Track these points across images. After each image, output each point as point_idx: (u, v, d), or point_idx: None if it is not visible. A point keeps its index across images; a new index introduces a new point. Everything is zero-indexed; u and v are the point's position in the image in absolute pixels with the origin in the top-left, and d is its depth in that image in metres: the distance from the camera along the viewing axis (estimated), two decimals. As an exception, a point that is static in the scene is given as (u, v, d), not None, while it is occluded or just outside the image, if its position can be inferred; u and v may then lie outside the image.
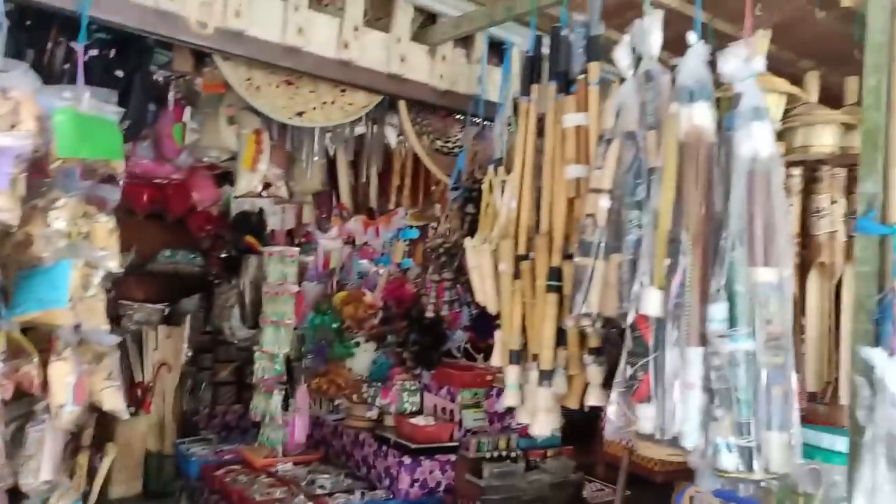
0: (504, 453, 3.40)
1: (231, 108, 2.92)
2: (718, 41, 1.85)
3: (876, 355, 1.32)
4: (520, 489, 3.27)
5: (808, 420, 1.75)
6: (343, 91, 2.55)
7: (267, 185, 3.34)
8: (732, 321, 1.49)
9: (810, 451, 1.90)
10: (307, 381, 3.77)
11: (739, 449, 1.45)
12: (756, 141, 1.51)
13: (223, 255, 4.92)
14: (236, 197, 4.49)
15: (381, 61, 2.47)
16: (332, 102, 2.54)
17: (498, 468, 3.27)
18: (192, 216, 4.70)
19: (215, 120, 2.97)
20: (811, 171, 1.95)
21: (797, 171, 1.94)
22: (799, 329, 1.96)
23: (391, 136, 3.52)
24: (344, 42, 2.34)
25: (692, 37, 1.66)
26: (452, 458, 3.49)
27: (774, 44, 2.81)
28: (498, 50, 2.68)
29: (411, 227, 4.02)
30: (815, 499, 1.91)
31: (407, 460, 3.44)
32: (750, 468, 1.45)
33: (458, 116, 2.84)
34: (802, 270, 1.96)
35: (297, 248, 3.89)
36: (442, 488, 3.49)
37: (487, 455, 3.36)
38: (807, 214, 1.96)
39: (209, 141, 3.03)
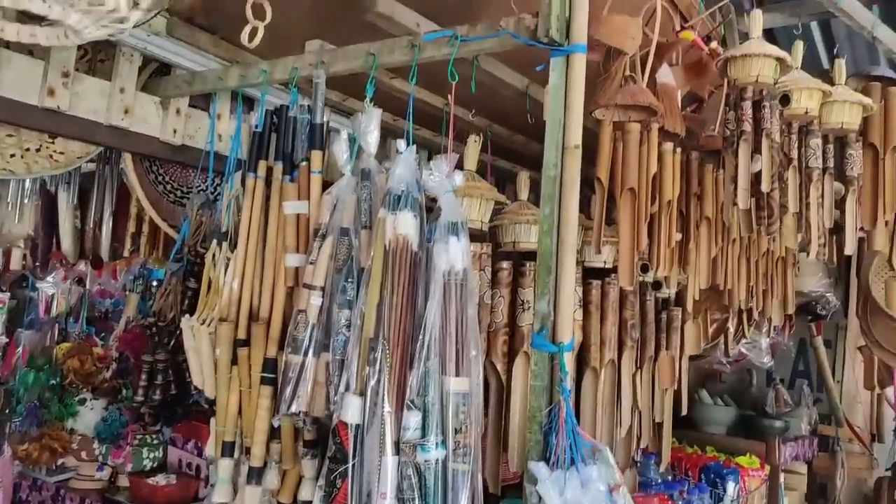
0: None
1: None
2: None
3: (540, 469, 1.44)
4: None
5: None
6: (52, 139, 2.27)
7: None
8: (425, 430, 1.54)
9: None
10: (14, 448, 3.28)
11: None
12: (452, 255, 1.59)
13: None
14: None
15: (100, 111, 2.23)
16: (38, 150, 2.24)
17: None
18: None
19: None
20: (519, 265, 2.11)
21: (506, 265, 2.09)
22: (506, 414, 2.10)
23: (130, 177, 3.22)
24: (49, 88, 2.08)
25: (401, 144, 1.71)
26: (197, 517, 3.25)
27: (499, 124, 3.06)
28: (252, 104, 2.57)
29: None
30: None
31: (142, 527, 3.14)
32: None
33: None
34: (510, 358, 2.11)
35: (7, 294, 3.38)
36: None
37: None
38: (514, 306, 2.11)
39: None
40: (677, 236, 2.26)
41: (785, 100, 2.18)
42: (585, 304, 2.49)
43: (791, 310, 3.37)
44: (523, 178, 2.19)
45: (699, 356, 3.48)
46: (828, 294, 3.69)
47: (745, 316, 3.39)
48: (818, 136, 2.18)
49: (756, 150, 2.07)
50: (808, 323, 4.38)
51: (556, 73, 1.59)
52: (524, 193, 2.20)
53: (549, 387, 1.53)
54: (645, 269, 2.44)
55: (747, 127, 2.03)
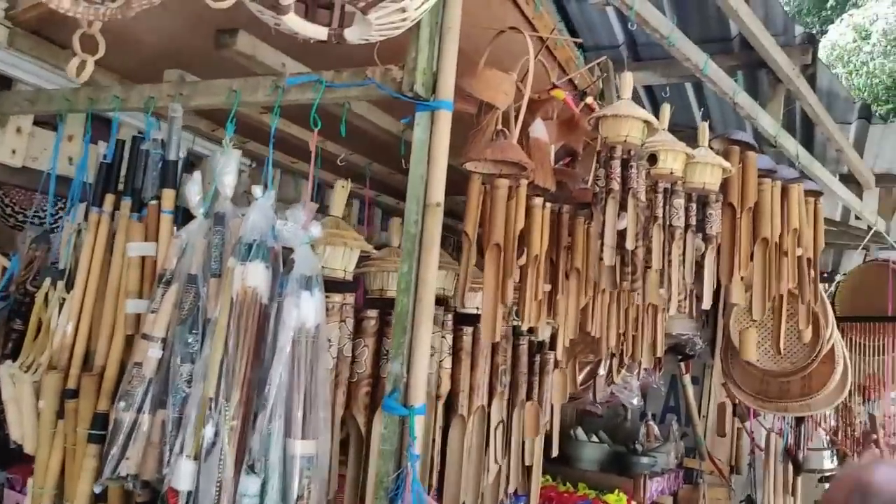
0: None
1: None
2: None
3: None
4: None
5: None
6: None
7: None
8: (263, 497, 1.44)
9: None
10: None
11: None
12: (303, 311, 1.51)
13: None
14: None
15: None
16: None
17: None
18: None
19: None
20: (385, 314, 2.05)
21: (372, 314, 2.02)
22: (364, 468, 2.02)
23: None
24: None
25: (257, 190, 1.62)
26: None
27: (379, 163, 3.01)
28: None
29: None
30: None
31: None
32: None
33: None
34: (371, 410, 2.03)
35: None
36: None
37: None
38: (378, 356, 2.05)
39: None
40: (546, 287, 2.28)
41: (652, 159, 2.25)
42: (456, 350, 2.47)
43: (660, 353, 3.50)
44: (396, 224, 2.14)
45: (572, 398, 3.54)
46: (695, 337, 3.88)
47: (615, 360, 3.49)
48: (682, 195, 2.27)
49: (623, 207, 2.12)
50: (678, 361, 4.59)
51: (421, 128, 1.55)
52: (396, 240, 2.15)
53: (399, 451, 1.47)
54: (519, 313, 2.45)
55: (615, 185, 2.07)
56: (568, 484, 3.83)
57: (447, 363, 2.33)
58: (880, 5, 11.00)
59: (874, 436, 3.96)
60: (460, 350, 2.47)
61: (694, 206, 2.43)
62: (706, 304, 2.40)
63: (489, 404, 2.63)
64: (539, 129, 2.08)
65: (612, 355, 3.26)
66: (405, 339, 1.49)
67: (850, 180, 4.09)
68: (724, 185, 2.62)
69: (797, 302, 3.58)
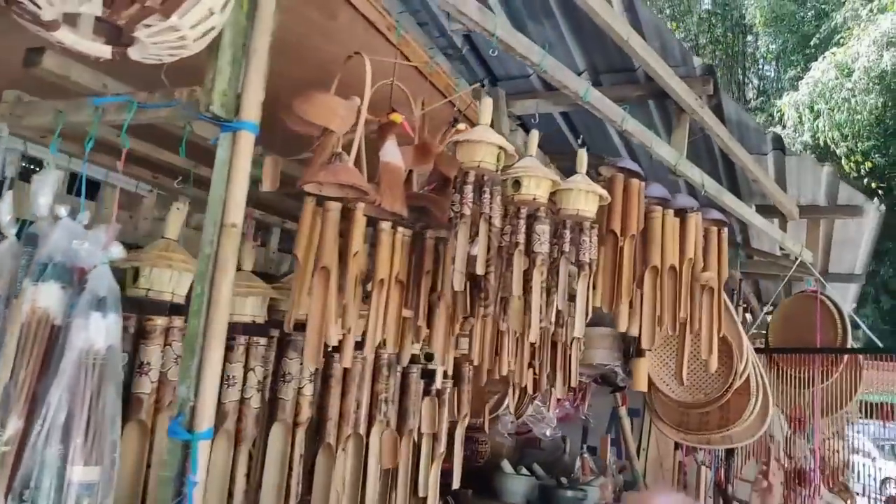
0: None
1: None
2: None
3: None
4: None
5: None
6: None
7: None
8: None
9: None
10: None
11: None
12: (92, 332, 1.48)
13: None
14: None
15: None
16: None
17: None
18: None
19: None
20: (230, 339, 2.02)
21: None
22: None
23: None
24: None
25: (62, 209, 1.60)
26: None
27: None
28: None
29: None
30: None
31: None
32: None
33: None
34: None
35: None
36: None
37: None
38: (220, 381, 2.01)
39: None
40: (407, 313, 2.25)
41: (516, 185, 2.25)
42: (326, 377, 2.43)
43: (573, 383, 3.46)
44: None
45: (477, 428, 3.49)
46: (616, 366, 3.83)
47: (521, 391, 3.44)
48: (545, 221, 2.25)
49: (477, 233, 2.11)
50: (612, 394, 4.53)
51: (223, 149, 1.54)
52: (248, 263, 2.13)
53: (180, 477, 1.43)
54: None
55: (467, 210, 2.06)
56: (485, 517, 3.75)
57: (307, 390, 2.30)
58: (861, 43, 11.17)
59: (765, 468, 3.89)
60: (330, 377, 2.43)
61: (568, 232, 2.42)
62: (577, 332, 2.37)
63: (368, 434, 2.58)
64: (391, 153, 2.07)
65: (517, 386, 3.22)
66: (193, 361, 1.46)
67: (776, 212, 4.10)
68: (609, 213, 2.62)
69: (709, 332, 3.56)
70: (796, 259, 4.12)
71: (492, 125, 2.69)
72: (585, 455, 4.76)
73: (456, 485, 3.12)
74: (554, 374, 3.26)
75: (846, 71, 11.57)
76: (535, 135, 2.36)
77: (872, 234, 4.44)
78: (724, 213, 3.41)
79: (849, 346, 4.08)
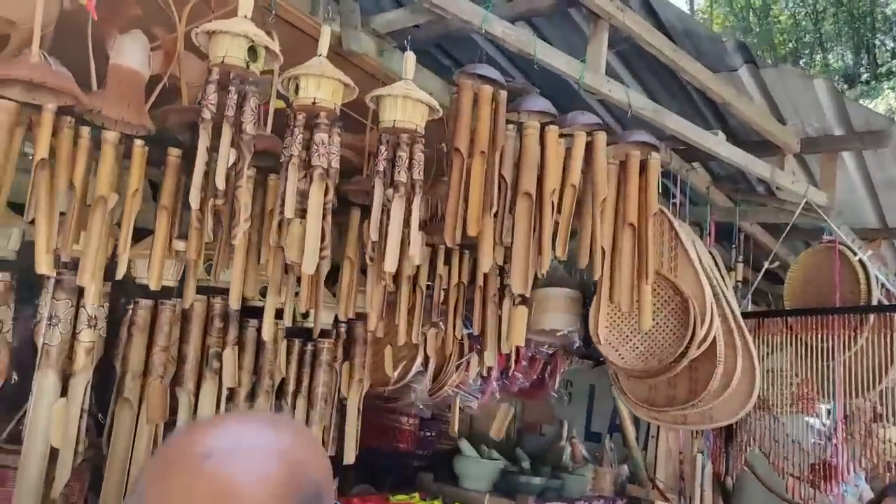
0: None
1: None
2: None
3: None
4: None
5: None
6: None
7: None
8: None
9: None
10: None
11: None
12: None
13: None
14: None
15: None
16: None
17: None
18: None
19: None
20: None
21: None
22: None
23: None
24: None
25: None
26: None
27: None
28: None
29: None
30: None
31: None
32: None
33: None
34: None
35: None
36: None
37: None
38: None
39: None
40: (180, 245, 1.95)
41: (296, 88, 1.90)
42: (129, 325, 2.20)
43: (506, 349, 3.00)
44: None
45: (389, 398, 3.12)
46: (571, 332, 3.29)
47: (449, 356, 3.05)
48: (326, 130, 1.87)
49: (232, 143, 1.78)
50: (592, 368, 3.95)
51: None
52: None
53: None
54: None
55: (207, 114, 1.74)
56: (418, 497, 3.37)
57: (86, 336, 2.06)
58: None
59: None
60: (133, 325, 2.19)
61: (383, 148, 2.03)
62: (388, 265, 1.96)
63: (197, 391, 2.32)
64: (126, 54, 1.79)
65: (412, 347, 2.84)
66: None
67: (776, 149, 3.40)
68: (454, 128, 2.20)
69: (667, 285, 3.00)
70: (809, 205, 3.38)
71: (340, 44, 2.35)
72: (575, 440, 4.22)
73: (348, 460, 2.77)
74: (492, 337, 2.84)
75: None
76: (410, 57, 2.02)
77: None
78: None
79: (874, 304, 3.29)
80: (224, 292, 2.30)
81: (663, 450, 4.36)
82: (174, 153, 1.91)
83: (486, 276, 2.82)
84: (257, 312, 2.40)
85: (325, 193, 1.86)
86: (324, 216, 1.85)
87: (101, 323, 2.10)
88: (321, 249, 1.84)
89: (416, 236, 1.98)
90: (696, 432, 3.86)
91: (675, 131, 2.87)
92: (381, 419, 3.66)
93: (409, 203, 1.99)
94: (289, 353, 2.56)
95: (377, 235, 1.99)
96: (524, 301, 2.64)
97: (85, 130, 1.75)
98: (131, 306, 2.19)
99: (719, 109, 3.25)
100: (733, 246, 3.71)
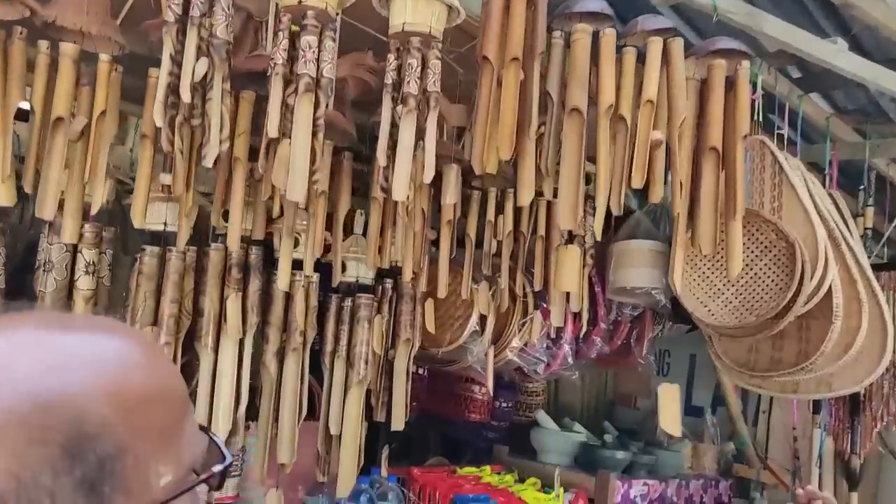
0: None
1: None
2: None
3: None
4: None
5: None
6: None
7: None
8: None
9: None
10: None
11: None
12: None
13: None
14: None
15: None
16: None
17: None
18: None
19: None
20: None
21: None
22: None
23: None
24: None
25: None
26: None
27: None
28: None
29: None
30: None
31: None
32: None
33: None
34: None
35: None
36: None
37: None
38: None
39: None
40: (166, 179, 1.73)
41: (283, -10, 1.62)
42: (137, 274, 2.03)
43: (576, 307, 2.61)
44: None
45: (435, 360, 2.81)
46: (656, 291, 2.83)
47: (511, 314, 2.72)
48: (315, 33, 1.57)
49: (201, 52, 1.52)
50: (686, 334, 3.45)
51: None
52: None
53: None
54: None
55: (171, 16, 1.49)
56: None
57: (83, 283, 1.90)
58: None
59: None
60: (140, 275, 2.03)
61: (392, 57, 1.71)
62: (397, 194, 1.64)
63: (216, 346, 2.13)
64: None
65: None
66: None
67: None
68: (483, 34, 1.84)
69: (769, 228, 2.51)
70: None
71: None
72: (670, 414, 3.75)
73: (396, 426, 2.50)
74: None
75: None
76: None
77: None
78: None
79: None
80: (254, 242, 2.09)
81: (777, 425, 3.79)
82: (155, 74, 1.69)
83: (548, 223, 2.46)
84: (297, 265, 2.18)
85: (316, 107, 1.56)
86: (315, 133, 1.56)
87: (103, 271, 1.94)
88: (311, 173, 1.55)
89: (431, 158, 1.65)
90: (815, 405, 3.29)
91: (777, 40, 2.33)
92: (451, 387, 3.40)
93: (422, 119, 1.66)
94: (324, 309, 2.32)
95: (385, 160, 1.67)
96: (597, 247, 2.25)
97: (44, 45, 1.55)
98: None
99: (839, 12, 2.65)
100: (861, 188, 3.07)
